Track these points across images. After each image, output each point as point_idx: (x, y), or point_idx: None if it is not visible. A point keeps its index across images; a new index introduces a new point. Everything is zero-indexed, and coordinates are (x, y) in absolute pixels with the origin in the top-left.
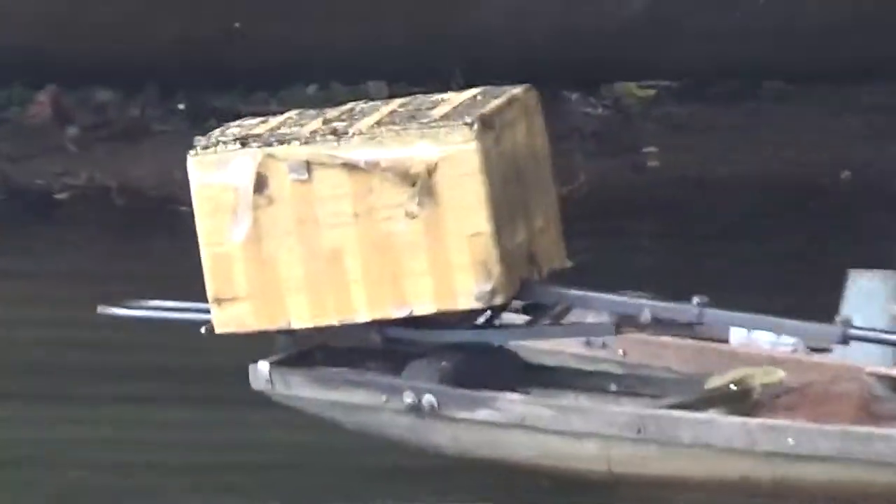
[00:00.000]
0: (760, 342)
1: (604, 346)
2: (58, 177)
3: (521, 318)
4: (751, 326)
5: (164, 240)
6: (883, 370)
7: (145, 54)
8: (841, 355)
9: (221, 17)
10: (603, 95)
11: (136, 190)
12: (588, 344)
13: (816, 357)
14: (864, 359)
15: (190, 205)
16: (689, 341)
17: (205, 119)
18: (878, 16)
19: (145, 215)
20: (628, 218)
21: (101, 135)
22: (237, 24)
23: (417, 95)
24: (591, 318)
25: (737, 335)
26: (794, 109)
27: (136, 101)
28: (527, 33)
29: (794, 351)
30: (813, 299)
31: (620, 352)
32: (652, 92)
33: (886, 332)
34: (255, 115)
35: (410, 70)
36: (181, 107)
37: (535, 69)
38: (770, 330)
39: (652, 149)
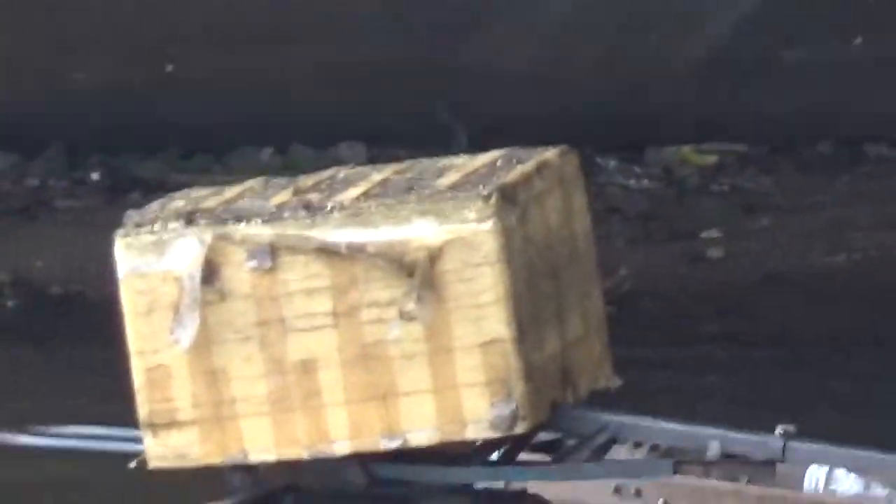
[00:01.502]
0: (843, 489)
1: (638, 494)
2: None
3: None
4: (849, 465)
5: (72, 348)
6: None
7: (50, 107)
8: None
9: (149, 58)
10: (649, 163)
11: (35, 285)
12: (617, 493)
13: None
14: None
15: (106, 303)
16: (751, 488)
17: (125, 191)
18: None
19: (47, 318)
20: (683, 323)
21: None
22: (169, 67)
23: (419, 159)
24: (639, 454)
25: (812, 479)
26: None
27: (35, 167)
28: (552, 81)
29: (890, 502)
30: None
31: (660, 502)
32: (713, 159)
33: None
34: (191, 186)
35: (397, 129)
36: (95, 176)
37: (561, 127)
38: (873, 469)
39: (714, 233)
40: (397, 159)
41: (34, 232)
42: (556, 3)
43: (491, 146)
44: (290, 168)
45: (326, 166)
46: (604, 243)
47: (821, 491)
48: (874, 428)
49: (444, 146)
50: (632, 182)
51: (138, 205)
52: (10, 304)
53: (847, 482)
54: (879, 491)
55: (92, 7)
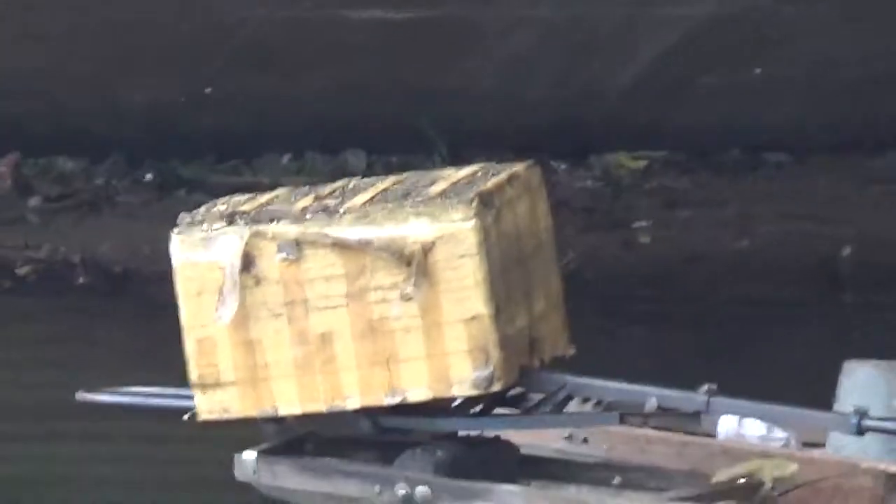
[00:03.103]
0: (749, 436)
1: (585, 441)
2: (18, 251)
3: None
4: (761, 416)
5: (132, 319)
6: (881, 466)
7: (111, 121)
8: (834, 450)
9: (191, 82)
10: (592, 166)
11: (101, 264)
12: (569, 439)
13: (813, 452)
14: (858, 454)
15: (158, 281)
16: (675, 435)
17: (172, 189)
18: (884, 87)
19: (111, 291)
20: (619, 297)
21: (63, 206)
22: (208, 90)
23: (414, 171)
24: (588, 407)
25: (725, 428)
26: (795, 182)
27: (100, 170)
28: (513, 99)
29: (785, 445)
30: (812, 388)
31: (604, 447)
32: (643, 163)
33: None
34: (227, 187)
35: (390, 137)
36: (148, 177)
37: (521, 137)
38: (779, 420)
39: (643, 223)
40: (391, 164)
41: (100, 222)
42: (517, 37)
43: (466, 153)
44: (304, 170)
45: (334, 170)
46: (555, 231)
47: (732, 436)
48: (774, 383)
49: (428, 153)
50: (578, 182)
51: (183, 200)
52: (81, 280)
53: (753, 428)
54: (779, 434)
55: (146, 38)
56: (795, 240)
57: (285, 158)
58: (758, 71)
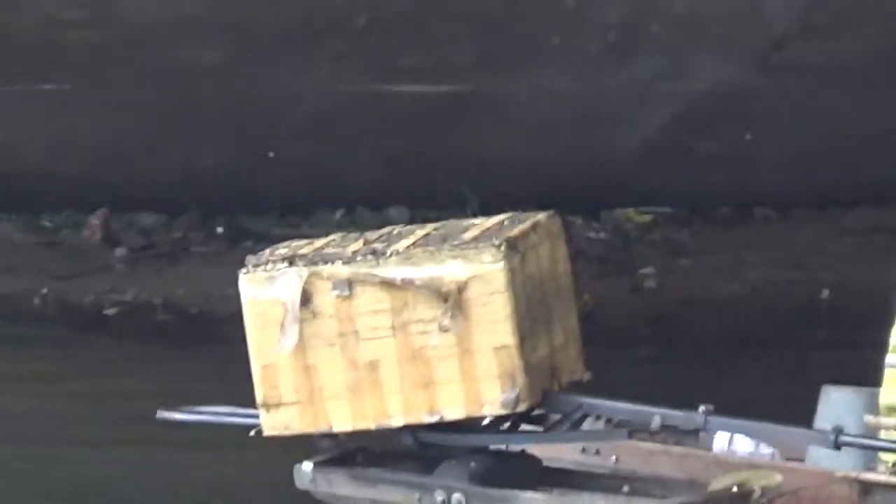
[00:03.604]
0: (740, 450)
1: (597, 452)
2: (106, 294)
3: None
4: (751, 433)
5: (205, 351)
6: (853, 474)
7: (187, 181)
8: (813, 463)
9: (257, 147)
10: (604, 221)
11: (179, 306)
12: (583, 451)
13: (796, 464)
14: (832, 466)
15: (227, 321)
16: (676, 448)
17: (241, 240)
18: (856, 150)
19: (187, 329)
20: (628, 334)
21: (146, 255)
22: (271, 154)
23: (449, 220)
24: (600, 425)
25: (719, 443)
26: (780, 234)
27: (178, 224)
28: (536, 162)
29: (772, 458)
30: (794, 411)
31: (613, 458)
32: (648, 217)
33: (874, 438)
34: (287, 237)
35: (429, 195)
36: (220, 230)
37: (543, 195)
38: (768, 437)
39: (649, 270)
40: (430, 218)
41: (177, 270)
42: (538, 108)
43: (494, 209)
44: (354, 224)
45: (380, 224)
46: (573, 277)
47: (725, 451)
48: (762, 405)
49: (462, 209)
50: (592, 234)
51: (250, 250)
52: (160, 319)
53: (743, 444)
54: (765, 449)
55: (215, 111)
56: (779, 284)
57: (338, 214)
58: (748, 137)
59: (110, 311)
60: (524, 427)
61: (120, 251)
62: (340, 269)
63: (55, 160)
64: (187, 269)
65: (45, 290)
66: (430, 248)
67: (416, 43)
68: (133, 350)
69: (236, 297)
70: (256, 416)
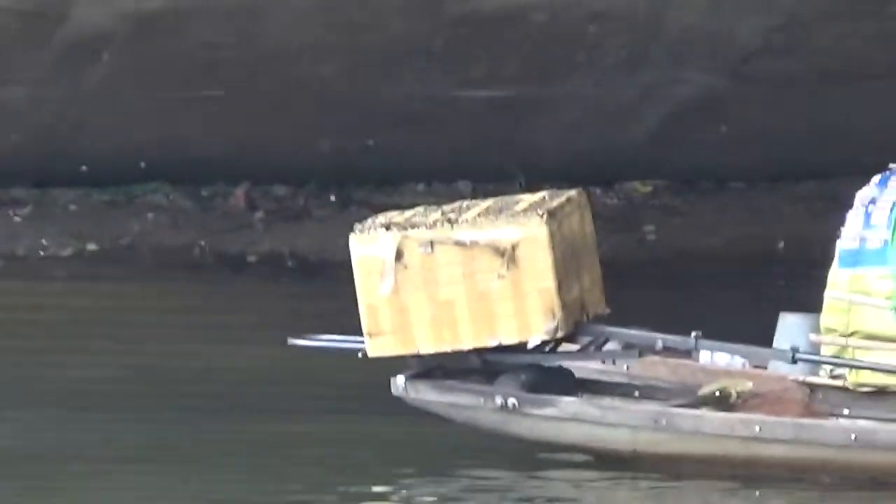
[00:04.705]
0: (719, 362)
1: (614, 362)
2: (248, 246)
3: (574, 347)
4: (729, 351)
5: (322, 290)
6: (801, 377)
7: (309, 161)
8: (772, 369)
9: (360, 136)
10: (616, 190)
11: (303, 256)
12: (604, 362)
13: (761, 372)
14: (787, 372)
15: (339, 267)
16: (671, 360)
17: (348, 206)
18: (804, 138)
19: (308, 273)
20: (636, 275)
21: (278, 217)
22: (370, 142)
23: (504, 196)
24: (615, 346)
25: (704, 357)
26: (748, 201)
27: (302, 193)
28: (567, 147)
29: (744, 366)
30: (760, 331)
31: (625, 367)
32: (650, 188)
33: (820, 355)
34: (384, 206)
35: (488, 172)
36: (332, 198)
37: (573, 172)
38: (743, 354)
39: (650, 228)
40: (488, 190)
41: (301, 227)
42: (568, 107)
43: (536, 184)
44: (431, 193)
45: (450, 193)
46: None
47: (709, 363)
48: (737, 327)
49: (511, 183)
50: (608, 200)
51: (355, 214)
52: (289, 265)
53: (722, 358)
54: (738, 361)
55: (330, 110)
56: (747, 238)
57: (419, 186)
58: (723, 129)
59: (251, 259)
60: (562, 348)
61: (258, 214)
62: (424, 233)
63: (211, 146)
64: (309, 227)
65: (202, 243)
66: (491, 217)
67: (478, 60)
68: (268, 288)
69: (346, 250)
70: (362, 342)
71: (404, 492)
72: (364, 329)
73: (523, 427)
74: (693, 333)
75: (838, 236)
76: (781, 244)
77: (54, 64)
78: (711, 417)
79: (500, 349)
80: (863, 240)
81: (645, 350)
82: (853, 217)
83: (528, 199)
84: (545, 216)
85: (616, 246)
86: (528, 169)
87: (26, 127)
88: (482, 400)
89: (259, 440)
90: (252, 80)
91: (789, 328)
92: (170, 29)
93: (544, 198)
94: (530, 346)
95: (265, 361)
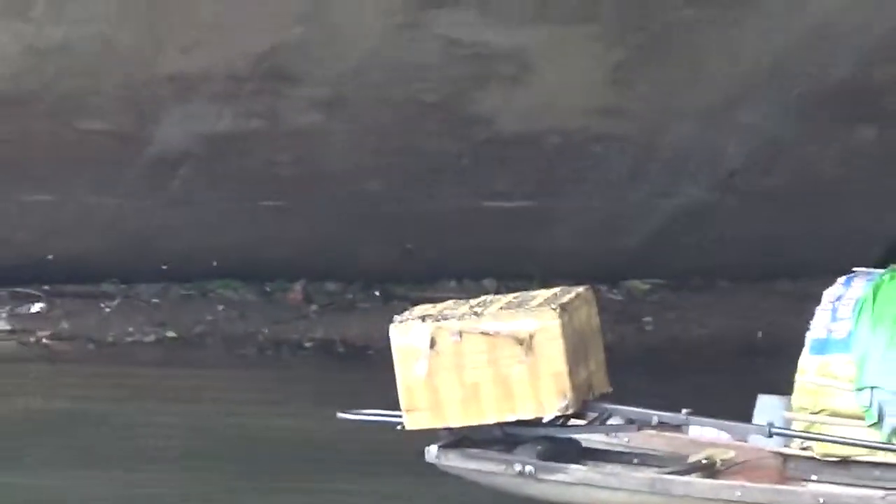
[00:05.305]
0: (706, 435)
1: (616, 435)
2: (304, 334)
3: (581, 422)
4: (716, 427)
5: (367, 373)
6: (776, 449)
7: (357, 262)
8: (752, 442)
9: (401, 241)
10: (619, 288)
11: (351, 342)
12: (607, 435)
13: (742, 444)
14: (763, 444)
15: (381, 352)
16: (665, 433)
17: (390, 300)
18: (779, 243)
19: (356, 358)
20: (635, 360)
21: (330, 309)
22: (409, 246)
23: (522, 292)
24: (616, 421)
25: (694, 431)
26: (731, 297)
27: (351, 289)
28: (577, 250)
29: (727, 439)
30: (740, 410)
31: (626, 439)
32: (648, 286)
33: (791, 430)
34: (421, 300)
35: (508, 272)
36: (377, 293)
37: (582, 272)
38: (726, 429)
39: (649, 319)
40: (510, 286)
41: (350, 318)
42: (575, 220)
43: (551, 280)
44: (461, 289)
45: (478, 289)
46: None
47: (698, 436)
48: (720, 407)
49: (529, 281)
50: (611, 296)
51: (395, 307)
52: (340, 350)
53: (709, 432)
54: (724, 436)
55: (373, 220)
56: (732, 329)
57: (452, 282)
58: (712, 235)
59: (307, 345)
60: (571, 422)
61: (313, 306)
62: (454, 324)
63: (273, 248)
64: (356, 318)
65: (265, 331)
66: (511, 310)
67: (501, 176)
68: (322, 370)
69: (388, 338)
70: (401, 417)
71: None
72: (402, 405)
73: (538, 490)
74: (684, 410)
75: (809, 328)
76: (760, 334)
77: (141, 177)
78: (699, 483)
79: (519, 423)
80: (830, 331)
81: (642, 424)
82: (822, 312)
83: (543, 294)
84: (558, 310)
85: (619, 335)
86: (544, 269)
87: (116, 231)
88: (503, 467)
89: (315, 493)
90: (309, 193)
91: (766, 407)
92: (238, 149)
93: (556, 294)
94: (545, 420)
95: (319, 433)
